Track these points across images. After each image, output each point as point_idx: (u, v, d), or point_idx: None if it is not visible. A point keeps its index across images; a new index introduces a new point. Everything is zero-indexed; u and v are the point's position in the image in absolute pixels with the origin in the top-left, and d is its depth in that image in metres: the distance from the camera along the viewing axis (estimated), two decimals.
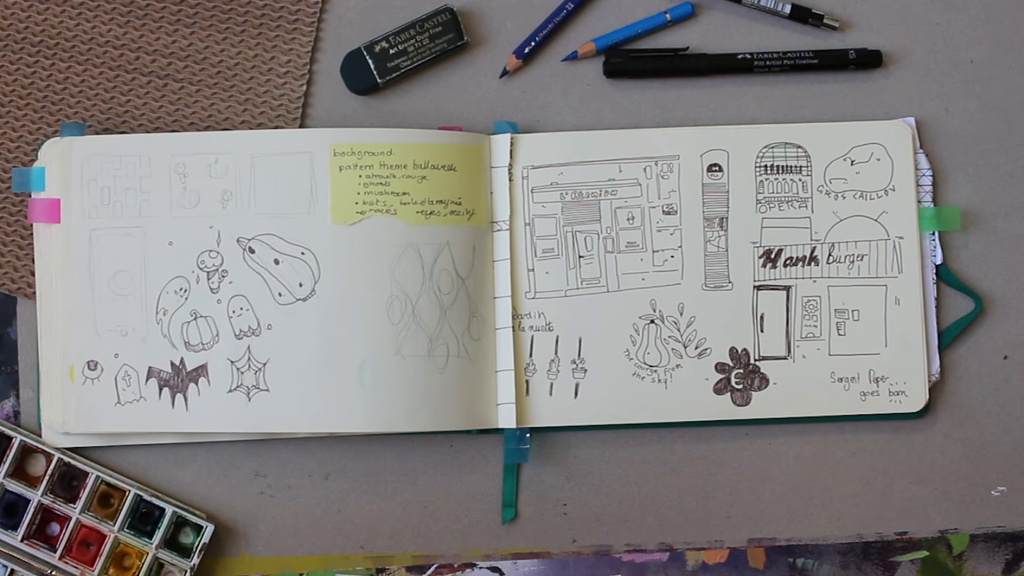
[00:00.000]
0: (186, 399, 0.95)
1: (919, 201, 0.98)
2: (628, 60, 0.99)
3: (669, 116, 1.00)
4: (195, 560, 0.95)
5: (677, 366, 0.97)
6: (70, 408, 0.95)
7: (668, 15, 1.00)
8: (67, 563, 0.95)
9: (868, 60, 0.99)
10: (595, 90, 1.00)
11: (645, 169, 0.98)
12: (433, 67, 0.99)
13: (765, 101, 1.00)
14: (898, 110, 1.00)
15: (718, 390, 0.97)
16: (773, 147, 0.98)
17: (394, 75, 0.98)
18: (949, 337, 0.98)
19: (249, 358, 0.95)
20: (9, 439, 0.95)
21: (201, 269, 0.95)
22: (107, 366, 0.95)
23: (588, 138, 0.98)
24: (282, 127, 0.98)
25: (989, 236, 1.00)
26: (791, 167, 0.98)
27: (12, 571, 0.94)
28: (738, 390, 0.97)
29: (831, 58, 0.99)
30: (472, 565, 0.98)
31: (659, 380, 0.97)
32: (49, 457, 0.95)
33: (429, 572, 0.98)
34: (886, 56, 1.00)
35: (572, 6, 0.99)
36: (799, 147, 0.98)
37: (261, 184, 0.95)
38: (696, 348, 0.97)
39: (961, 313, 0.99)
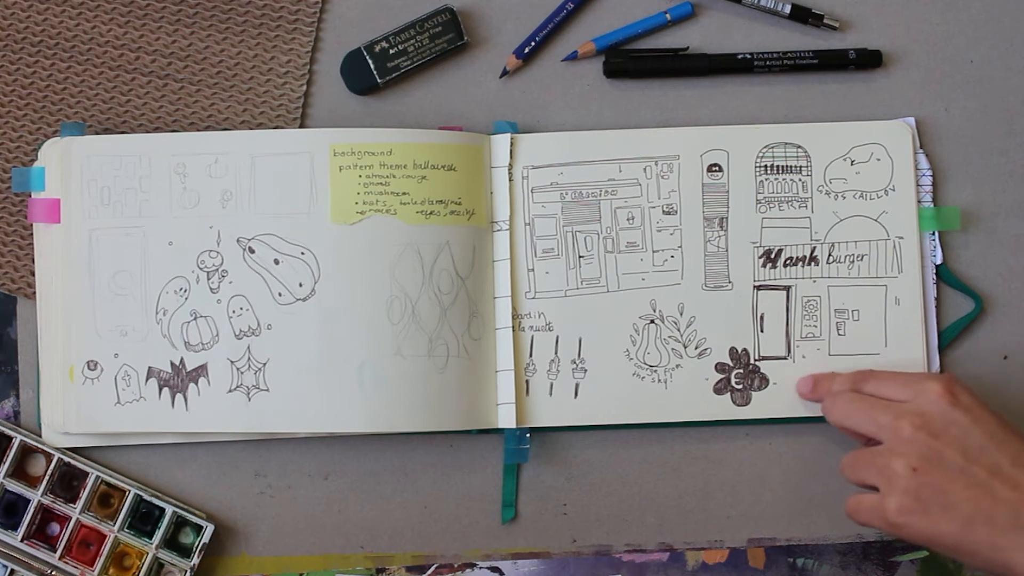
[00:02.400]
0: (186, 399, 0.95)
1: (919, 201, 0.98)
2: (628, 60, 0.99)
3: (669, 116, 1.00)
4: (195, 560, 0.95)
5: (677, 366, 0.97)
6: (70, 408, 0.95)
7: (668, 15, 1.00)
8: (67, 563, 0.95)
9: (868, 60, 0.99)
10: (595, 90, 1.00)
11: (645, 169, 0.98)
12: (433, 67, 0.99)
13: (765, 101, 1.00)
14: (898, 110, 1.00)
15: (718, 390, 0.97)
16: (773, 147, 0.98)
17: (394, 75, 0.98)
18: (949, 337, 0.98)
19: (249, 358, 0.95)
20: (9, 439, 0.95)
21: (201, 269, 0.95)
22: (107, 366, 0.95)
23: (588, 138, 0.98)
24: (282, 127, 0.98)
25: (989, 236, 1.00)
26: (791, 167, 0.98)
27: (12, 571, 0.94)
28: (738, 390, 0.97)
29: (831, 58, 0.99)
30: (472, 565, 0.98)
31: (659, 380, 0.97)
32: (49, 457, 0.95)
33: (429, 572, 0.98)
34: (886, 56, 1.00)
35: (572, 6, 0.99)
36: (799, 147, 0.98)
37: (261, 184, 0.95)
38: (696, 348, 0.97)
39: (961, 313, 0.99)
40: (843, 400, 0.91)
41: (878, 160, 0.98)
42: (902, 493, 0.85)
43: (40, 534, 0.96)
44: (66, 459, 0.95)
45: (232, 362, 0.95)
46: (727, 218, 0.98)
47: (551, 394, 0.97)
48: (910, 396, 0.88)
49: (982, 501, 0.83)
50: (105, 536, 0.95)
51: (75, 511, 0.95)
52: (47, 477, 0.95)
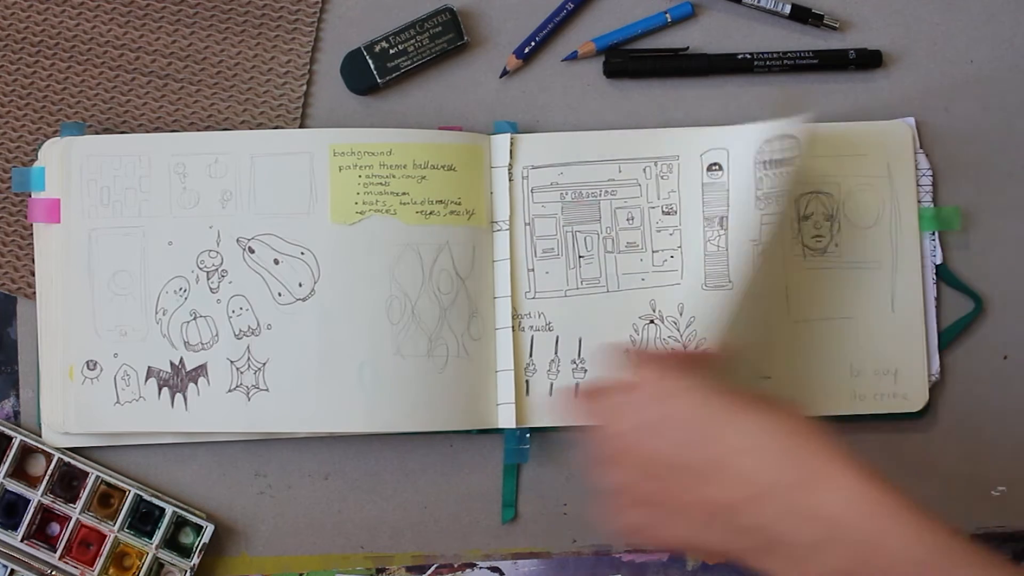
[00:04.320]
0: (185, 399, 0.95)
1: (919, 201, 0.98)
2: (628, 60, 0.99)
3: (669, 116, 1.00)
4: (195, 560, 0.95)
5: None
6: (70, 408, 0.95)
7: (668, 15, 1.00)
8: (67, 563, 0.95)
9: (868, 60, 0.99)
10: (595, 90, 1.00)
11: (645, 169, 0.98)
12: (433, 67, 0.99)
13: (765, 101, 1.00)
14: (898, 110, 1.00)
15: None
16: (771, 141, 0.98)
17: (394, 75, 0.98)
18: (949, 337, 0.98)
19: (249, 358, 0.95)
20: (9, 439, 0.95)
21: (201, 269, 0.95)
22: (106, 366, 0.95)
23: (588, 138, 0.98)
24: (282, 127, 0.98)
25: (989, 236, 0.99)
26: (789, 160, 0.98)
27: (12, 571, 0.94)
28: None
29: (831, 58, 0.99)
30: (472, 565, 0.98)
31: None
32: (49, 457, 0.95)
33: (429, 572, 0.98)
34: (886, 56, 1.00)
35: (572, 6, 0.99)
36: (795, 138, 0.98)
37: (261, 184, 0.95)
38: (696, 348, 0.97)
39: (961, 313, 0.99)
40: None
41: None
42: (626, 508, 0.78)
43: (40, 534, 0.96)
44: (66, 459, 0.95)
45: (232, 362, 0.95)
46: (727, 218, 0.98)
47: (551, 394, 0.97)
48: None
49: (703, 497, 0.75)
50: (105, 536, 0.95)
51: (75, 511, 0.95)
52: (47, 477, 0.95)
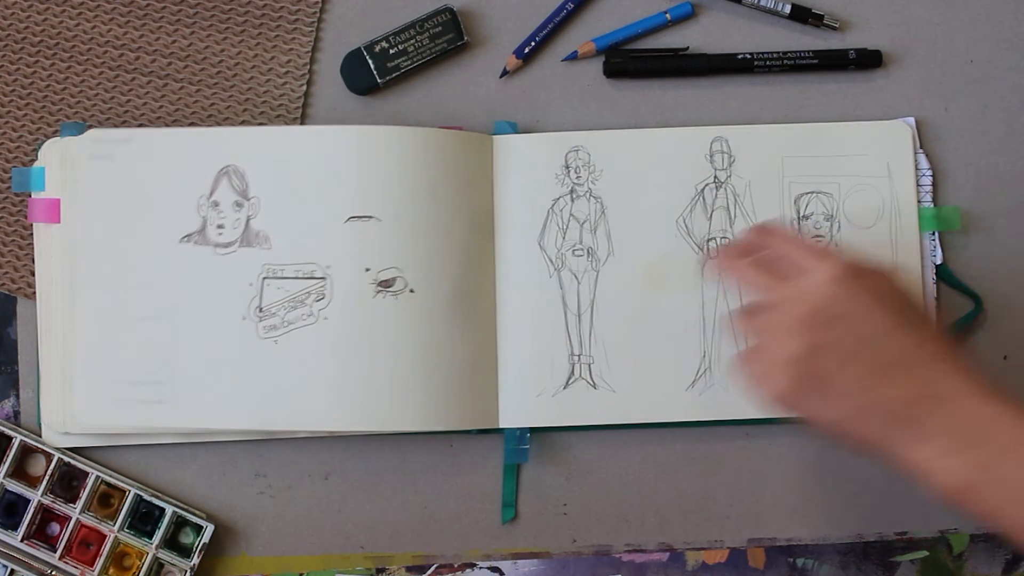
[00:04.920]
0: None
1: (919, 201, 0.98)
2: (628, 60, 0.99)
3: (669, 116, 1.00)
4: (195, 560, 0.95)
5: None
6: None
7: (668, 15, 1.00)
8: (67, 563, 0.95)
9: (868, 60, 0.99)
10: (595, 90, 1.00)
11: None
12: (433, 67, 0.99)
13: (765, 101, 1.00)
14: (898, 110, 1.00)
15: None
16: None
17: (394, 75, 0.98)
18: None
19: None
20: (9, 439, 0.95)
21: None
22: None
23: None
24: None
25: (989, 236, 1.00)
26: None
27: (12, 571, 0.94)
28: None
29: (831, 58, 0.99)
30: (472, 565, 0.98)
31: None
32: (49, 457, 0.95)
33: (429, 572, 0.98)
34: (886, 56, 1.00)
35: (572, 6, 0.99)
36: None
37: None
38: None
39: (961, 313, 0.99)
40: (739, 270, 0.87)
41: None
42: (788, 378, 0.79)
43: (40, 534, 0.96)
44: (66, 459, 0.95)
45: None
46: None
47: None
48: (802, 271, 0.82)
49: (874, 392, 0.79)
50: (105, 536, 0.95)
51: (75, 511, 0.95)
52: (47, 477, 0.95)
